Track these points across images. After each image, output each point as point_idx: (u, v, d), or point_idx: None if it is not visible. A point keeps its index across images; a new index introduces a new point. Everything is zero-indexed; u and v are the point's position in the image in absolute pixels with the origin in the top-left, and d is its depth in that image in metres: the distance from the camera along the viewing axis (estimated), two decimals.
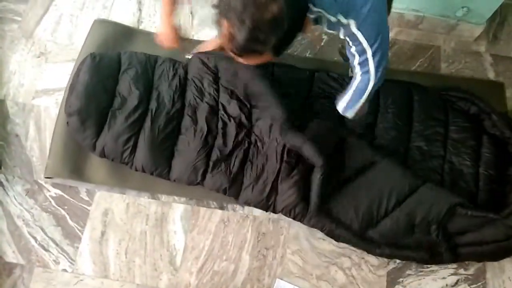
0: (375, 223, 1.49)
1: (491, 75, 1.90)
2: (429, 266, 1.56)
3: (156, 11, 1.95)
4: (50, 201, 1.59)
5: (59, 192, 1.61)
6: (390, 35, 1.92)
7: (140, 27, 1.91)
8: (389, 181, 1.50)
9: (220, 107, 1.63)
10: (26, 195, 1.60)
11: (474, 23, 1.89)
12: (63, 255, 1.53)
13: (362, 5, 1.06)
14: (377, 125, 1.66)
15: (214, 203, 1.61)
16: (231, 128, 1.60)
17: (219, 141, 1.59)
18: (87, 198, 1.60)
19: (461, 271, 1.56)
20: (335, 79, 1.72)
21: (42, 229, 1.55)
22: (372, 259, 1.56)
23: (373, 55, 1.12)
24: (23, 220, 1.57)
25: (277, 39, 0.98)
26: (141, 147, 1.55)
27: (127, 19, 1.92)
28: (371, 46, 1.10)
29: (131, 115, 1.58)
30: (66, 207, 1.59)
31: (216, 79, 1.66)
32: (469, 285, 1.54)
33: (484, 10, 1.82)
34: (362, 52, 1.12)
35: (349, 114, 1.33)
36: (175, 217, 1.59)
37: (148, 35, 1.84)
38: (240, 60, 1.07)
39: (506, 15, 2.03)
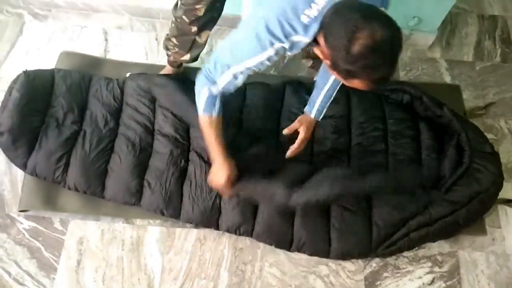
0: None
1: (447, 79, 2.00)
2: (405, 267, 1.59)
3: (122, 39, 2.00)
4: (24, 234, 1.58)
5: (32, 224, 1.60)
6: None
7: (107, 57, 1.95)
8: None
9: (156, 126, 1.65)
10: None
11: (427, 31, 1.99)
12: None
13: None
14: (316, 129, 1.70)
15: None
16: (166, 147, 1.60)
17: (153, 160, 1.60)
18: (61, 228, 1.60)
19: (436, 269, 1.60)
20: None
21: (16, 263, 1.53)
22: (349, 265, 1.58)
23: None
24: None
25: None
26: (73, 165, 1.56)
27: (94, 49, 1.96)
28: None
29: (63, 133, 1.59)
30: (40, 239, 1.58)
31: (152, 100, 1.69)
32: (444, 282, 1.58)
33: (434, 19, 1.93)
34: None
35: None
36: (151, 240, 1.59)
37: (115, 63, 1.89)
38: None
39: (456, 23, 2.16)
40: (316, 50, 1.03)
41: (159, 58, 1.95)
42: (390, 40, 0.90)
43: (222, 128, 1.29)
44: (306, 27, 0.98)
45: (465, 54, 2.08)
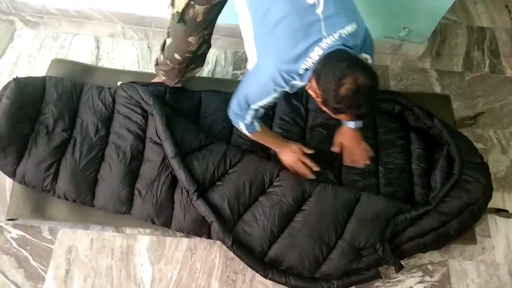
0: (322, 262, 1.50)
1: (437, 89, 2.02)
2: (396, 276, 1.59)
3: (114, 48, 2.00)
4: (12, 243, 1.56)
5: (20, 232, 1.58)
6: None
7: (99, 64, 1.94)
8: (325, 215, 1.52)
9: (148, 134, 1.62)
10: None
11: (417, 42, 2.02)
12: None
13: None
14: (305, 138, 1.73)
15: None
16: (157, 155, 1.57)
17: (144, 168, 1.58)
18: (49, 237, 1.58)
19: (427, 278, 1.60)
20: None
21: (3, 273, 1.51)
22: None
23: None
24: None
25: None
26: (63, 173, 1.54)
27: (86, 57, 1.95)
28: None
29: (53, 141, 1.57)
30: (28, 248, 1.55)
31: (144, 108, 1.66)
32: None
33: (424, 30, 1.96)
34: None
35: None
36: (141, 249, 1.58)
37: (107, 71, 1.88)
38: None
39: (446, 34, 2.19)
40: (309, 90, 1.23)
41: (151, 66, 1.95)
42: (368, 86, 1.11)
43: (268, 129, 1.56)
44: (302, 76, 1.19)
45: (455, 64, 2.11)
